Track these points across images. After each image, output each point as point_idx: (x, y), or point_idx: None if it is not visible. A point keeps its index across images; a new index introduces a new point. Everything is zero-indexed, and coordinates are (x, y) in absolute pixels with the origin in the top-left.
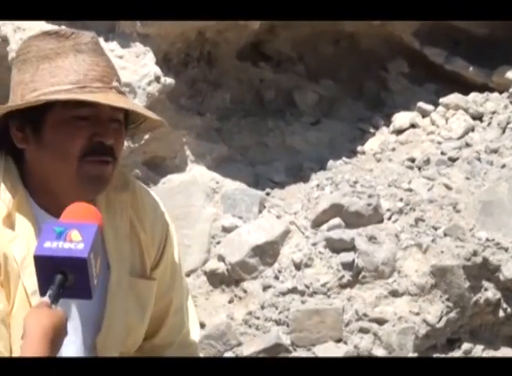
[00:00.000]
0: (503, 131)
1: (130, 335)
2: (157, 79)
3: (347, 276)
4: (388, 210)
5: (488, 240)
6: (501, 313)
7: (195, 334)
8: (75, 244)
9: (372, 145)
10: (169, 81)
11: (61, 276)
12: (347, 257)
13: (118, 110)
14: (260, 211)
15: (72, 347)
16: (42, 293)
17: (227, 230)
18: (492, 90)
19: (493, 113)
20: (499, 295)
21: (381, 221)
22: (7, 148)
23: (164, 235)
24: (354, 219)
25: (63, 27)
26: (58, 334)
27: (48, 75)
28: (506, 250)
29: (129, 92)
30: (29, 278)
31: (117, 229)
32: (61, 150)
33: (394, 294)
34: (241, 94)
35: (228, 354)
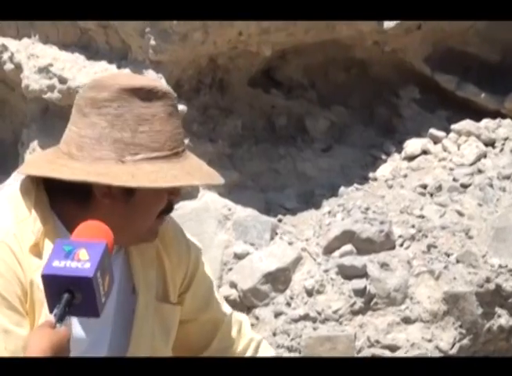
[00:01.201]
0: None
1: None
2: None
3: (359, 302)
4: (400, 236)
5: (501, 266)
6: None
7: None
8: (82, 263)
9: (383, 171)
10: (181, 107)
11: (68, 295)
12: (359, 284)
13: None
14: (272, 238)
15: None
16: (50, 311)
17: (239, 257)
18: (504, 116)
19: (505, 139)
20: None
21: (393, 247)
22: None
23: (190, 259)
24: (366, 246)
25: (143, 82)
26: (57, 353)
27: (148, 139)
28: None
29: None
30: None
31: (143, 254)
32: (147, 213)
33: (407, 320)
34: (253, 120)
35: None
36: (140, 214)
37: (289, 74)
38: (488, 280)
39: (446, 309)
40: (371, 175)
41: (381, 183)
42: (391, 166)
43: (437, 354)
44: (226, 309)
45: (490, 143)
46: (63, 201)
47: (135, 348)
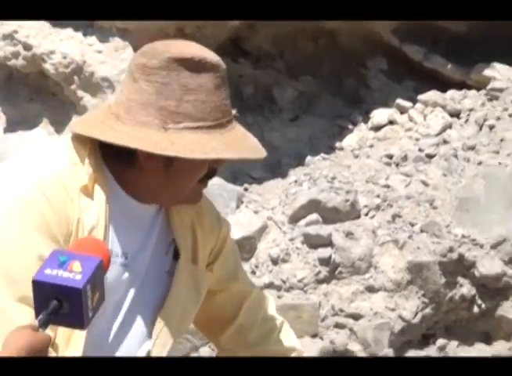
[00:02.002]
0: (480, 129)
1: (185, 318)
2: None
3: (324, 271)
4: (365, 206)
5: (463, 236)
6: (475, 309)
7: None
8: (74, 274)
9: (350, 141)
10: None
11: (56, 303)
12: (324, 252)
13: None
14: (238, 207)
15: (134, 324)
16: (36, 316)
17: None
18: (469, 87)
19: (470, 110)
20: (474, 291)
21: (358, 217)
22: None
23: (221, 232)
24: (331, 215)
25: (193, 51)
26: (32, 355)
27: (192, 109)
28: (482, 246)
29: (108, 87)
30: None
31: (182, 219)
32: (187, 178)
33: (371, 289)
34: None
35: (205, 349)
36: (180, 179)
37: (257, 44)
38: (451, 250)
39: (410, 279)
40: (338, 144)
41: (348, 153)
42: (357, 136)
43: (400, 323)
44: (252, 284)
45: (455, 114)
46: (112, 158)
47: (172, 303)
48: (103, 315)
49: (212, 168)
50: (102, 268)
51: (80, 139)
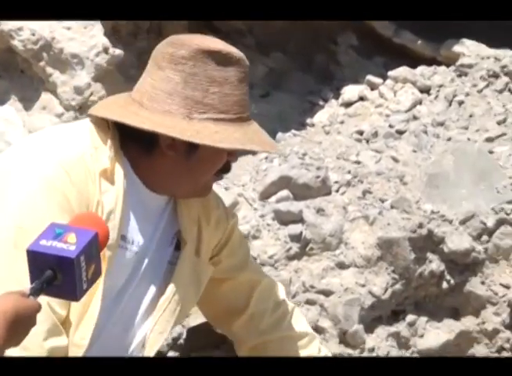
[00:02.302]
0: (450, 105)
1: (184, 307)
2: (106, 50)
3: (295, 247)
4: (336, 182)
5: (433, 212)
6: (445, 285)
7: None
8: (68, 245)
9: (321, 117)
10: (118, 52)
11: (50, 272)
12: (294, 229)
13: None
14: None
15: (135, 308)
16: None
17: None
18: (439, 63)
19: (440, 86)
20: (443, 267)
21: (329, 193)
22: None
23: (228, 225)
24: (302, 191)
25: (220, 45)
26: (18, 321)
27: (217, 100)
28: (451, 222)
29: (77, 64)
30: (110, 231)
31: (189, 212)
32: (206, 169)
33: (341, 266)
34: None
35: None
36: (199, 170)
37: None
38: (420, 226)
39: (380, 255)
40: (308, 121)
41: (318, 129)
42: (328, 112)
43: (370, 299)
44: (262, 273)
45: (425, 90)
46: (130, 145)
47: (171, 294)
48: (109, 297)
49: (227, 161)
50: (97, 241)
51: (101, 124)
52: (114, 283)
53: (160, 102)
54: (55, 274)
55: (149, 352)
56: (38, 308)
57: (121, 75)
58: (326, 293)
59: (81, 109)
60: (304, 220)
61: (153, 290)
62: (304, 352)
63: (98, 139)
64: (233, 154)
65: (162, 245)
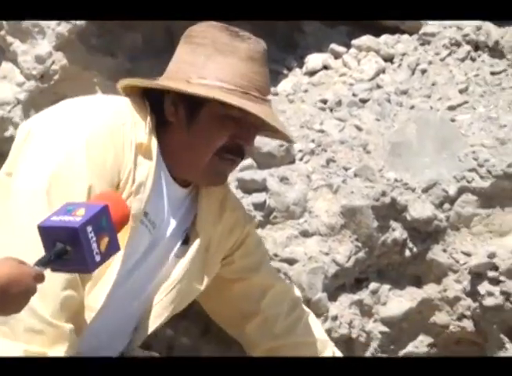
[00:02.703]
0: (413, 73)
1: (184, 297)
2: None
3: (259, 216)
4: (300, 151)
5: (396, 180)
6: (407, 253)
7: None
8: (75, 217)
9: (285, 86)
10: (79, 22)
11: (60, 245)
12: (258, 197)
13: (260, 119)
14: None
15: (138, 289)
16: None
17: None
18: (402, 32)
19: (403, 54)
20: (405, 235)
21: (293, 162)
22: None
23: (245, 228)
24: (266, 160)
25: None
26: (11, 285)
27: (218, 69)
28: (414, 190)
29: (38, 33)
30: (137, 202)
31: (208, 211)
32: (205, 140)
33: (305, 234)
34: (152, 34)
35: None
36: (200, 142)
37: None
38: (383, 194)
39: (343, 223)
40: (272, 89)
41: (282, 98)
42: (292, 81)
43: (333, 267)
44: (277, 278)
45: (389, 59)
46: (157, 124)
47: (174, 282)
48: (125, 267)
49: (234, 141)
50: (107, 214)
51: (139, 102)
52: (133, 255)
53: (168, 71)
54: (66, 248)
55: (143, 333)
56: (37, 276)
57: (83, 44)
58: (290, 261)
59: (43, 78)
60: (268, 189)
61: (157, 277)
62: None
63: (137, 114)
64: (242, 137)
65: (173, 237)
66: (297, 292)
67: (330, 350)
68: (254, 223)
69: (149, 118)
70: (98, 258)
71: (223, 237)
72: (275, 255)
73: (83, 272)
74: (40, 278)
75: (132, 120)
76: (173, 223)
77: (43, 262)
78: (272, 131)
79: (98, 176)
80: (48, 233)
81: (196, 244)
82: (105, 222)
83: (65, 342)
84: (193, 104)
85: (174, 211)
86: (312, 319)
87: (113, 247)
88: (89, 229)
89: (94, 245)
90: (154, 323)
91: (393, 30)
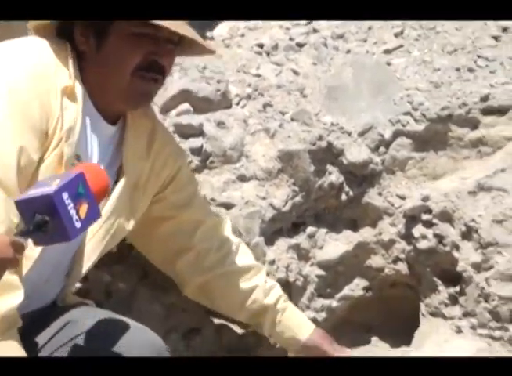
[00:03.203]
0: None
1: (116, 233)
2: None
3: (196, 161)
4: (237, 95)
5: (332, 124)
6: (343, 197)
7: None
8: (51, 186)
9: (221, 31)
10: None
11: (40, 217)
12: (195, 142)
13: (175, 34)
14: None
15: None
16: None
17: None
18: None
19: None
20: (342, 179)
21: (230, 106)
22: (70, 43)
23: (178, 161)
24: (202, 105)
25: None
26: None
27: None
28: (350, 134)
29: None
30: (68, 147)
31: (135, 146)
32: (119, 62)
33: (242, 178)
34: None
35: None
36: (111, 64)
37: None
38: (320, 138)
39: (280, 167)
40: (208, 34)
41: (219, 43)
42: (228, 25)
43: (270, 211)
44: (209, 213)
45: None
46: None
47: (104, 218)
48: None
49: (150, 58)
50: (83, 181)
51: (59, 43)
52: None
53: None
54: (45, 219)
55: (77, 276)
56: (15, 244)
57: None
58: (227, 206)
59: None
60: (205, 133)
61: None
62: (247, 285)
63: (58, 56)
64: (158, 53)
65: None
66: (229, 226)
67: (261, 277)
68: (185, 157)
69: (70, 60)
70: (78, 225)
71: (153, 173)
72: (213, 200)
73: (65, 241)
74: (18, 247)
75: (55, 62)
76: (105, 162)
77: (23, 233)
78: (194, 48)
79: (21, 123)
80: (25, 205)
81: (122, 182)
82: (82, 189)
83: (14, 290)
84: (101, 29)
85: (105, 149)
86: (243, 248)
87: (93, 214)
88: (65, 195)
89: (72, 212)
90: (86, 263)
91: None
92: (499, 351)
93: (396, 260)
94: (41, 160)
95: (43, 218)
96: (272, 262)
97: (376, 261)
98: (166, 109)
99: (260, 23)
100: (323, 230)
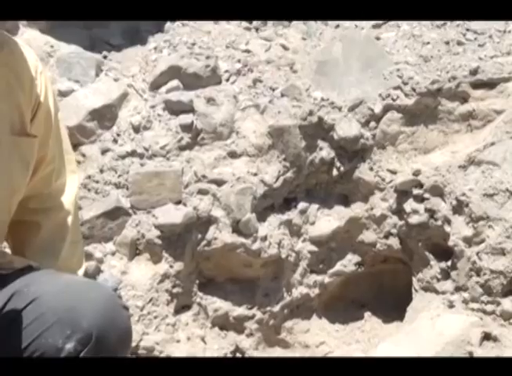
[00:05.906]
0: None
1: (15, 195)
2: None
3: (186, 138)
4: (226, 71)
5: (323, 99)
6: (335, 172)
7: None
8: None
9: None
10: None
11: None
12: (185, 119)
13: None
14: (97, 75)
15: None
16: None
17: (63, 94)
18: None
19: None
20: (333, 154)
21: (219, 82)
22: None
23: (41, 91)
24: (192, 81)
25: None
26: None
27: None
28: (340, 109)
29: None
30: None
31: None
32: None
33: (233, 155)
34: None
35: None
36: None
37: None
38: (310, 113)
39: (271, 143)
40: None
41: None
42: None
43: (262, 187)
44: (62, 156)
45: None
46: None
47: None
48: None
49: None
50: None
51: None
52: None
53: None
54: None
55: None
56: None
57: None
58: (219, 182)
59: None
60: (195, 110)
61: None
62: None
63: None
64: None
65: None
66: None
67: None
68: (46, 79)
69: None
70: None
71: (28, 106)
72: (204, 176)
73: None
74: None
75: None
76: None
77: None
78: None
79: None
80: None
81: None
82: None
83: None
84: None
85: None
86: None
87: None
88: None
89: None
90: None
91: None
92: (491, 325)
93: (388, 235)
94: None
95: None
96: (264, 238)
97: (367, 236)
98: (155, 86)
99: None
100: (315, 206)
